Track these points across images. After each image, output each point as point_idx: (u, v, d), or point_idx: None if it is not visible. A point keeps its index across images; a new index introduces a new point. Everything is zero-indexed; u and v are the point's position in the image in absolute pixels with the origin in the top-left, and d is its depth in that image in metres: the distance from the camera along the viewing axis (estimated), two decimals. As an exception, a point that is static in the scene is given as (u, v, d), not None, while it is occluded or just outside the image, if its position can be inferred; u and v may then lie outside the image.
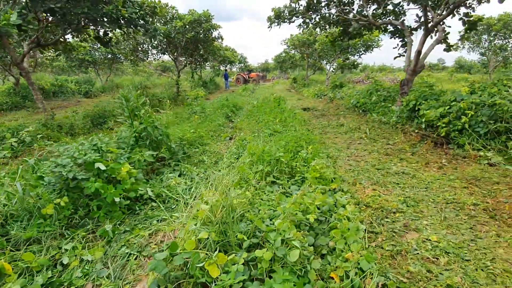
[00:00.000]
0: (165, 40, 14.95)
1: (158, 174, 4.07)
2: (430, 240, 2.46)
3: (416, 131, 5.95)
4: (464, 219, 2.82)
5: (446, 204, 3.12)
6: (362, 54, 17.33)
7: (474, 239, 2.47)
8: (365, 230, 2.60)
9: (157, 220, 3.02)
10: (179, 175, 4.10)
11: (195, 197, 3.53)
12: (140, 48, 16.84)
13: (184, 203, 3.36)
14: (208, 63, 20.71)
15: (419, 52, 6.96)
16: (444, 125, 5.09)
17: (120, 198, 2.94)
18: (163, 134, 4.44)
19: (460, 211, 2.98)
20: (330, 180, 3.46)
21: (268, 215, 2.51)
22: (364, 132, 6.39)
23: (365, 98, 9.51)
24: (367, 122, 7.54)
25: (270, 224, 2.27)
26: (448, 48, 7.74)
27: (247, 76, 30.13)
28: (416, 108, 6.10)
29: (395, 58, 9.43)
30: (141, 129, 4.28)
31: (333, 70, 20.87)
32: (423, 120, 5.57)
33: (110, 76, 24.75)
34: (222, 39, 17.04)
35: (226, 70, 27.23)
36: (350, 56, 18.23)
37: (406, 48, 8.26)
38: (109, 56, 21.77)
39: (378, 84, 10.13)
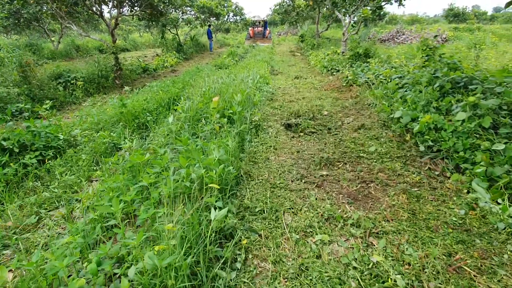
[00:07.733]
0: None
1: None
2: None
3: None
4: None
5: None
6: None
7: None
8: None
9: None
10: None
11: None
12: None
13: None
14: (169, 17, 14.49)
15: None
16: None
17: None
18: None
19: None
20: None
21: None
22: None
23: (429, 105, 4.01)
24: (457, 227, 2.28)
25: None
26: None
27: (252, 32, 23.46)
28: None
29: (507, 5, 3.41)
30: None
31: (354, 25, 14.41)
32: None
33: (63, 37, 19.19)
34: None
35: (209, 26, 20.46)
36: (383, 3, 11.65)
37: None
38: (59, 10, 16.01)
39: (457, 68, 4.48)
